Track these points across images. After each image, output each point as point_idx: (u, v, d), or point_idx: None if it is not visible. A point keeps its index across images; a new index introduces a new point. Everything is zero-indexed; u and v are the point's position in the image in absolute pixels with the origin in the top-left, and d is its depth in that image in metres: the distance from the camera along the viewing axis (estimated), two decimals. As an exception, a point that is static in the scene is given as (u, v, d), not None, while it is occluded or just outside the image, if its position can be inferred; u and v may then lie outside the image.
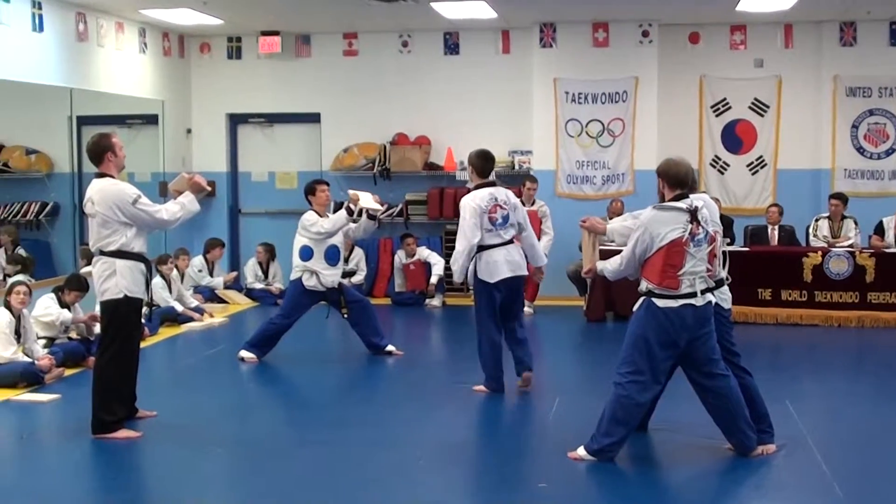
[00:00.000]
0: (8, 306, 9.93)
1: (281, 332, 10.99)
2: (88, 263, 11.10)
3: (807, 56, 15.09)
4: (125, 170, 8.29)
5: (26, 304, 10.14)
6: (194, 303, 13.71)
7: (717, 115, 15.33)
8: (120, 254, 7.86)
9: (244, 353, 10.98)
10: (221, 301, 14.80)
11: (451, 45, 15.74)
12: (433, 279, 14.82)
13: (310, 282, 10.81)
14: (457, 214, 14.89)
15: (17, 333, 9.93)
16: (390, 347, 11.16)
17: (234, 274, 15.64)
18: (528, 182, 14.11)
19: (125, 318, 7.96)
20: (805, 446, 7.61)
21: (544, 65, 15.17)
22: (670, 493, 6.96)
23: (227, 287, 15.26)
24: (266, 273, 15.51)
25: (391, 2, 12.93)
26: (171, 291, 13.39)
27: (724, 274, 7.29)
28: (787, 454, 7.41)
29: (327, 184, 11.33)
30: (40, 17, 12.27)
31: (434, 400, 9.36)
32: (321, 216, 10.87)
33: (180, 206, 8.17)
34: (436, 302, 14.79)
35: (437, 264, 14.83)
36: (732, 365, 7.31)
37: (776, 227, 14.00)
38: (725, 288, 7.36)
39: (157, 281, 13.13)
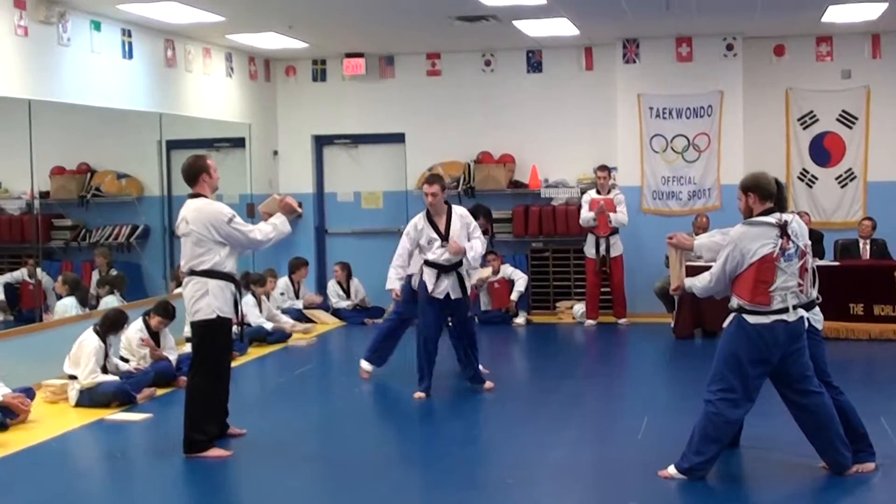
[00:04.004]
0: (102, 333, 10.13)
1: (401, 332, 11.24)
2: (178, 285, 11.29)
3: (895, 66, 14.88)
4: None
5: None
6: (287, 319, 13.89)
7: (804, 128, 15.15)
8: (212, 273, 7.97)
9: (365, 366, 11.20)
10: (309, 321, 14.91)
11: (534, 62, 15.75)
12: (513, 296, 14.83)
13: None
14: (542, 232, 15.15)
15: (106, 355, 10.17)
16: (479, 367, 11.18)
17: (319, 297, 15.72)
18: (598, 171, 14.40)
19: (217, 337, 8.07)
20: (902, 464, 7.48)
21: (628, 80, 15.12)
22: (763, 511, 6.90)
23: (313, 306, 15.36)
24: (347, 292, 15.61)
25: (474, 21, 12.98)
26: (261, 311, 13.57)
27: (815, 294, 7.20)
28: (884, 473, 7.27)
29: None
30: (130, 44, 12.51)
31: (522, 418, 9.36)
32: None
33: (273, 227, 8.26)
34: (520, 320, 14.77)
35: (520, 280, 14.83)
36: (825, 384, 7.20)
37: (867, 240, 13.78)
38: (817, 309, 7.27)
39: (248, 299, 13.30)
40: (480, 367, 11.13)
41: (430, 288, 10.03)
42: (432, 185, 9.95)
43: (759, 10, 12.75)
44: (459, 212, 10.15)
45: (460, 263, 10.06)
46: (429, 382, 10.17)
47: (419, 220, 10.12)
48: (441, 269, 10.01)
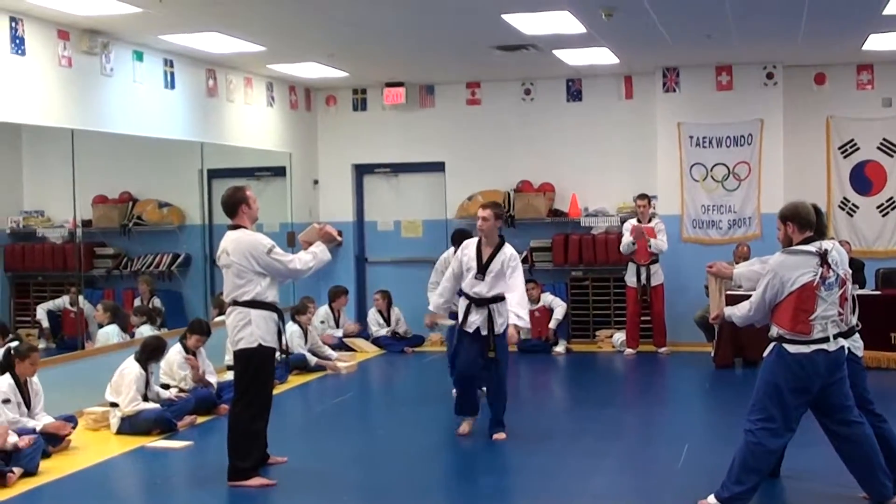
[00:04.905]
0: (143, 361, 10.22)
1: None
2: (220, 313, 11.37)
3: (937, 94, 14.81)
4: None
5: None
6: (331, 353, 13.94)
7: (844, 157, 15.07)
8: (254, 304, 8.02)
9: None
10: (349, 349, 14.95)
11: (574, 91, 15.77)
12: (551, 324, 14.81)
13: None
14: (581, 261, 15.10)
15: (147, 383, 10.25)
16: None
17: (358, 326, 15.77)
18: (638, 200, 14.41)
19: (260, 366, 8.10)
20: (945, 495, 7.39)
21: (668, 109, 15.11)
22: (804, 542, 6.84)
23: (353, 335, 15.41)
24: (388, 320, 15.64)
25: (514, 50, 13.02)
26: (306, 341, 13.61)
27: (855, 321, 7.16)
28: (926, 503, 7.22)
29: None
30: (172, 74, 12.64)
31: (562, 446, 9.32)
32: None
33: (312, 256, 8.30)
34: (560, 348, 14.74)
35: (559, 308, 14.80)
36: (868, 412, 7.16)
37: (909, 269, 13.69)
38: (857, 335, 7.22)
39: (294, 329, 13.34)
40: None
41: (460, 318, 9.64)
42: (485, 210, 9.56)
43: (800, 38, 12.73)
44: (508, 252, 9.51)
45: (497, 300, 9.46)
46: (466, 409, 9.78)
47: (471, 242, 9.71)
48: (472, 301, 9.55)
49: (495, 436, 9.54)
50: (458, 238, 10.57)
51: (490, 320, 9.45)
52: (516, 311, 9.38)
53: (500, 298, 9.46)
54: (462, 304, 9.63)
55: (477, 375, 9.70)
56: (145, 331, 12.25)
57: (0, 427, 8.49)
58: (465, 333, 9.59)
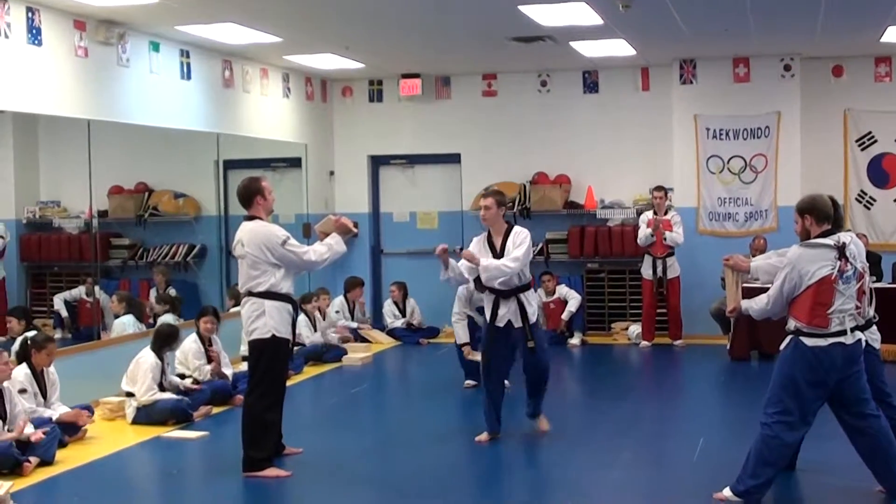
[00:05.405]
0: (158, 350, 10.24)
1: None
2: (236, 304, 11.40)
3: (955, 87, 14.73)
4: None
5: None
6: (334, 339, 14.06)
7: (862, 149, 14.99)
8: (269, 295, 8.01)
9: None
10: (364, 340, 14.95)
11: (591, 83, 15.73)
12: (564, 315, 14.77)
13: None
14: (597, 253, 15.07)
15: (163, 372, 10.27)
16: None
17: (367, 323, 15.80)
18: (654, 192, 14.43)
19: (273, 357, 8.10)
20: (962, 489, 7.37)
21: (684, 101, 15.06)
22: (820, 536, 6.83)
23: (365, 326, 15.46)
24: (403, 311, 15.65)
25: (530, 42, 12.99)
26: (315, 330, 13.65)
27: (872, 313, 7.13)
28: (944, 497, 7.20)
29: None
30: (188, 65, 12.64)
31: (578, 439, 9.30)
32: None
33: (327, 248, 8.29)
34: (575, 340, 14.72)
35: (573, 301, 14.76)
36: (885, 405, 7.14)
37: (927, 263, 13.63)
38: (874, 327, 7.20)
39: (300, 319, 13.34)
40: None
41: (488, 315, 9.18)
42: (487, 198, 9.13)
43: (818, 30, 12.67)
44: (516, 230, 9.08)
45: (523, 289, 9.09)
46: (494, 425, 9.21)
47: (479, 237, 9.28)
48: (498, 294, 9.02)
49: (540, 425, 9.38)
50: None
51: (522, 311, 9.05)
52: (495, 261, 8.92)
53: (526, 287, 9.13)
54: (488, 299, 9.18)
55: (507, 371, 9.35)
56: (167, 319, 12.28)
57: (20, 418, 8.53)
58: (495, 329, 9.11)
